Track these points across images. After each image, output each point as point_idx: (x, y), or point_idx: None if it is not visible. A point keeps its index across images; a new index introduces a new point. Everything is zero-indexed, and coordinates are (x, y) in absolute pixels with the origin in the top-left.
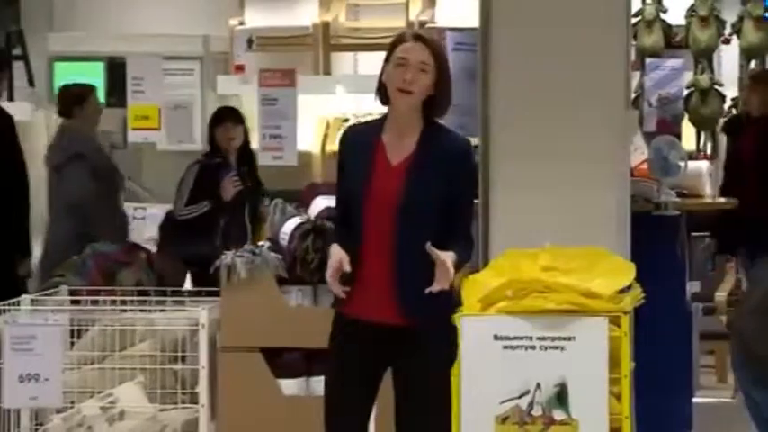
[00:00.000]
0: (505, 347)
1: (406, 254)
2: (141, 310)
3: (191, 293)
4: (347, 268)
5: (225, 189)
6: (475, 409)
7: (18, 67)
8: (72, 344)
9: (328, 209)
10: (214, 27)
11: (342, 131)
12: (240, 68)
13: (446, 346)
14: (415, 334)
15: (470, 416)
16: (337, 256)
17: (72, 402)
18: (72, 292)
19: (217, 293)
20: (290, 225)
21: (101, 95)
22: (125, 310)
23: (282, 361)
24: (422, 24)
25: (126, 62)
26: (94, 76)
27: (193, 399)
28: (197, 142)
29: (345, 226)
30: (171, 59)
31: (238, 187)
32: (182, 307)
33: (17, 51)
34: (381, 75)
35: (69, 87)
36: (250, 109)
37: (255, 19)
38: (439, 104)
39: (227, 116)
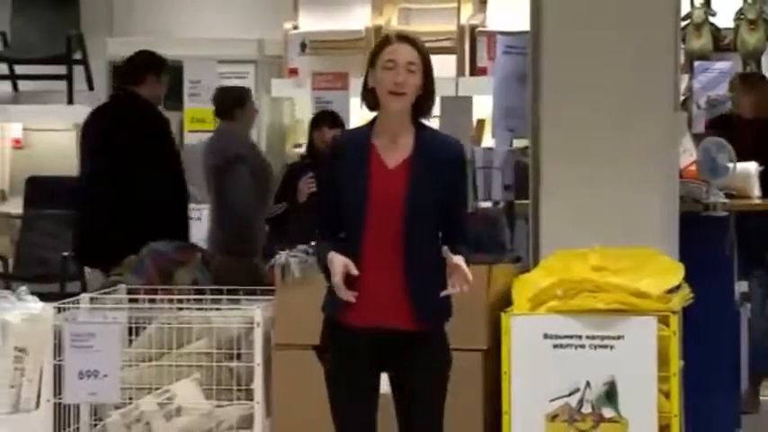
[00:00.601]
0: (555, 346)
1: (416, 257)
2: (198, 309)
3: (246, 292)
4: (355, 272)
5: (299, 190)
6: (525, 407)
7: (78, 70)
8: (130, 341)
9: None
10: (268, 31)
11: (331, 140)
12: (294, 72)
13: (445, 348)
14: (420, 337)
15: (520, 413)
16: (341, 260)
17: (130, 398)
18: (130, 291)
19: (271, 292)
20: None
21: None
22: (182, 309)
23: None
24: (473, 28)
25: (183, 66)
26: None
27: (249, 395)
28: None
29: (335, 234)
30: (226, 63)
31: (312, 189)
32: (237, 306)
33: (77, 55)
34: (366, 80)
35: (228, 89)
36: (303, 111)
37: (309, 23)
38: (426, 104)
39: (323, 120)
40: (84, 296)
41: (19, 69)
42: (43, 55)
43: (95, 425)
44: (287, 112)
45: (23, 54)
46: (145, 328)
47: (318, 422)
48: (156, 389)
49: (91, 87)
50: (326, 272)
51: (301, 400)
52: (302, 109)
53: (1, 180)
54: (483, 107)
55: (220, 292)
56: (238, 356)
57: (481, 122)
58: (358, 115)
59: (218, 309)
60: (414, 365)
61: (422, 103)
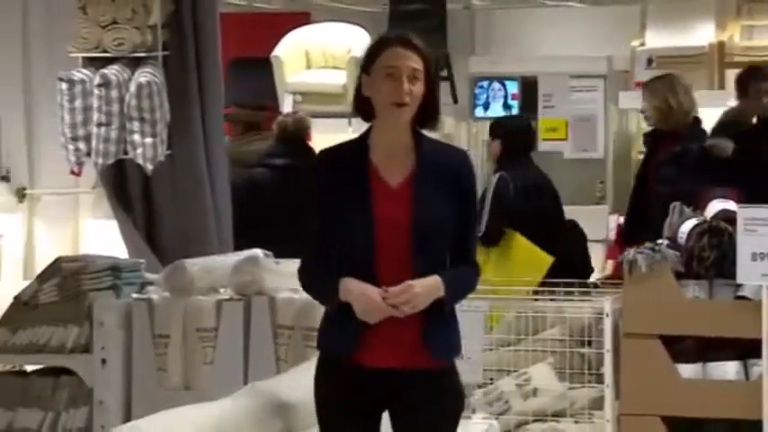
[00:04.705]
0: None
1: None
2: (551, 300)
3: (596, 285)
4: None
5: None
6: None
7: (444, 86)
8: (491, 328)
9: (723, 211)
10: (617, 48)
11: (318, 157)
12: (640, 85)
13: (458, 386)
14: (434, 376)
15: None
16: (362, 288)
17: (491, 379)
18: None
19: (620, 285)
20: (687, 225)
21: (515, 110)
22: (537, 300)
23: (680, 347)
24: None
25: (537, 80)
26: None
27: (599, 379)
28: (599, 151)
29: (333, 261)
30: (577, 78)
31: None
32: (588, 297)
33: (443, 73)
34: (359, 87)
35: None
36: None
37: (655, 40)
38: (431, 114)
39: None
40: None
41: None
42: None
43: None
44: (633, 122)
45: None
46: (504, 316)
47: (663, 404)
48: (514, 371)
49: (455, 101)
50: (331, 302)
51: (647, 385)
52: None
53: None
54: None
55: (572, 284)
56: (589, 343)
57: None
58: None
59: (570, 300)
60: (423, 407)
61: (424, 113)
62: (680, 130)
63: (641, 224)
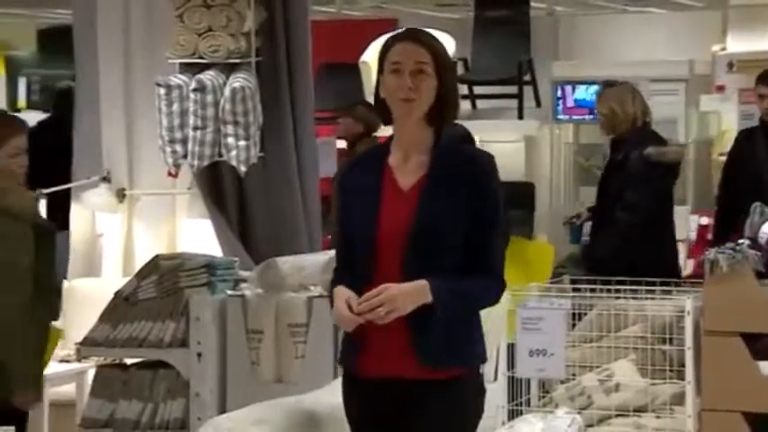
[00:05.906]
0: None
1: None
2: (633, 298)
3: (677, 284)
4: (353, 308)
5: None
6: None
7: (527, 90)
8: (573, 325)
9: None
10: (698, 53)
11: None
12: (721, 88)
13: (465, 401)
14: (434, 386)
15: None
16: (344, 295)
17: (573, 375)
18: (573, 281)
19: (700, 284)
20: None
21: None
22: (619, 297)
23: (760, 345)
24: None
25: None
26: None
27: (680, 375)
28: None
29: (350, 270)
30: (658, 81)
31: None
32: (669, 296)
33: (527, 77)
34: (378, 89)
35: None
36: (729, 123)
37: (736, 45)
38: (446, 112)
39: None
40: (533, 286)
41: (477, 90)
42: (498, 77)
43: (543, 396)
44: (713, 124)
45: (481, 76)
46: (586, 313)
47: (743, 400)
48: (597, 367)
49: (538, 104)
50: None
51: (728, 381)
52: (728, 121)
53: None
54: None
55: (654, 283)
56: (670, 341)
57: None
58: None
59: (651, 298)
60: (421, 419)
61: (440, 111)
62: (626, 136)
63: (603, 227)
